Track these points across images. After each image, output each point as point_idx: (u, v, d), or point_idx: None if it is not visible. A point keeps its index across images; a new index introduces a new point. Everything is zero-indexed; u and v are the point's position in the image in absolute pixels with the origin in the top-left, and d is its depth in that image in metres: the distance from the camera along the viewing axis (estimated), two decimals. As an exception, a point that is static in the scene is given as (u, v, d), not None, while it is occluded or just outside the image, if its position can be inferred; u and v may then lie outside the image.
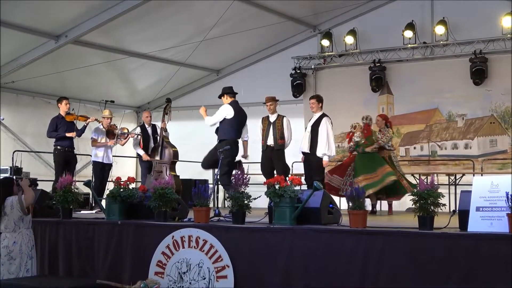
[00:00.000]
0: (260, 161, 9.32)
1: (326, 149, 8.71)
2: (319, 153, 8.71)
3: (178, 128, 12.42)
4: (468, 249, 4.73)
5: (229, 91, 8.75)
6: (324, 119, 8.85)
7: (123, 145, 10.70)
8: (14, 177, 10.60)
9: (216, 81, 14.48)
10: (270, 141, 9.11)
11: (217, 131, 8.73)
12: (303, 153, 9.00)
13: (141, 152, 10.23)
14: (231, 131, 8.53)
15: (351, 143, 9.37)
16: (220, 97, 8.76)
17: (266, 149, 9.17)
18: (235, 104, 8.67)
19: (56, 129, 9.69)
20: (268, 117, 9.29)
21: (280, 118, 9.18)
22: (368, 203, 8.72)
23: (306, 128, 9.25)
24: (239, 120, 8.63)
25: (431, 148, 12.16)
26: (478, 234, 4.82)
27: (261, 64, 14.05)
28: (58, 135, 9.68)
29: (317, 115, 8.99)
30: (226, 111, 8.56)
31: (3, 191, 6.06)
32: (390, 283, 4.97)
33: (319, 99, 9.13)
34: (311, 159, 8.84)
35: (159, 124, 10.29)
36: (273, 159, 9.07)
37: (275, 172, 8.90)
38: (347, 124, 12.20)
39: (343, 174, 9.22)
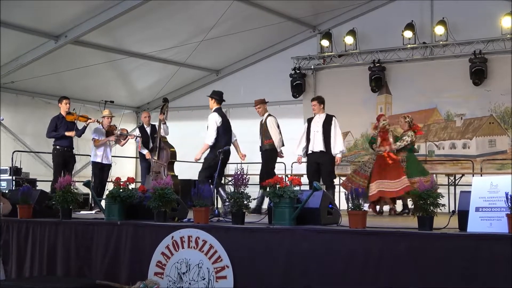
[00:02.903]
0: (259, 161, 9.41)
1: (343, 147, 9.02)
2: (337, 150, 8.84)
3: (177, 129, 12.41)
4: (467, 249, 4.72)
5: (218, 98, 8.58)
6: (334, 119, 8.98)
7: (122, 145, 10.70)
8: (14, 177, 10.65)
9: (215, 81, 14.49)
10: (260, 142, 9.34)
11: None
12: (313, 152, 8.94)
13: (144, 151, 10.22)
14: (220, 138, 8.38)
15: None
16: (209, 96, 8.63)
17: (260, 150, 9.36)
18: (220, 111, 8.56)
19: (56, 129, 9.66)
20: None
21: (266, 118, 9.26)
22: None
23: (308, 128, 9.10)
24: (226, 127, 8.53)
25: (428, 148, 12.16)
26: (477, 235, 4.81)
27: (261, 64, 14.06)
28: (57, 135, 9.66)
29: (323, 116, 9.01)
30: (216, 121, 8.40)
31: None
32: (390, 284, 4.96)
33: (320, 100, 9.17)
34: (325, 158, 8.87)
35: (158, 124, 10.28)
36: (262, 160, 9.21)
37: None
38: (346, 124, 12.25)
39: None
